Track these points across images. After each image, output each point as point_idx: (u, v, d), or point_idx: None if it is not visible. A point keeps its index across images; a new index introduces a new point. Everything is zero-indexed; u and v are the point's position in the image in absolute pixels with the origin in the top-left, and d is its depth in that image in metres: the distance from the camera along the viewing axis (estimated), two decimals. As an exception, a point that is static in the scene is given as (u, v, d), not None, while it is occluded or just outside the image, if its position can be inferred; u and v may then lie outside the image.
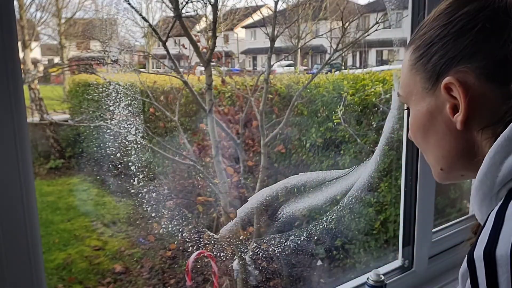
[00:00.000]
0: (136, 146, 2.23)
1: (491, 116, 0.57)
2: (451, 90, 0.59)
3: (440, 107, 0.62)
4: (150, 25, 2.58)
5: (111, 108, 2.08)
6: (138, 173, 2.25)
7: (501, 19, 0.56)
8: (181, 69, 2.63)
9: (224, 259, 2.28)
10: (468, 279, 0.49)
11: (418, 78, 0.64)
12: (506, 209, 0.50)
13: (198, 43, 2.60)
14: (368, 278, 1.23)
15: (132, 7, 2.17)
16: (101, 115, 2.24)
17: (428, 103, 0.63)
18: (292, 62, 4.39)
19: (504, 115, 0.55)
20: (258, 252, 2.22)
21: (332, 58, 3.02)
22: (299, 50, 4.19)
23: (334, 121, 3.23)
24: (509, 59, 0.55)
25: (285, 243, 1.92)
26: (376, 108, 3.16)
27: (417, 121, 0.67)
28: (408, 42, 0.69)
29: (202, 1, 2.68)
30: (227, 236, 2.13)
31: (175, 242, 2.94)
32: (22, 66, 2.05)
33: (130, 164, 2.25)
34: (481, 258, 0.47)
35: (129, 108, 2.11)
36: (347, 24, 2.95)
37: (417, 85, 0.65)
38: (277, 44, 2.79)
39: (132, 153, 2.23)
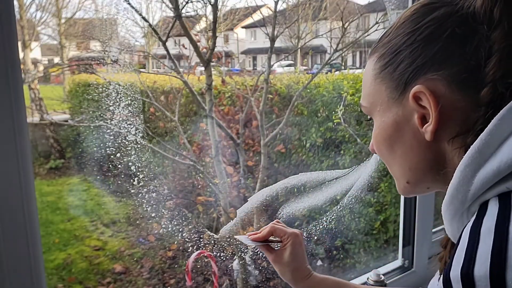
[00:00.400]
0: (136, 146, 2.23)
1: (461, 125, 0.55)
2: (420, 100, 0.57)
3: (408, 117, 0.59)
4: (150, 25, 2.58)
5: (111, 108, 2.08)
6: (138, 173, 2.25)
7: (470, 25, 0.55)
8: (181, 69, 2.63)
9: (224, 259, 2.28)
10: None
11: (383, 88, 0.62)
12: (480, 226, 0.48)
13: (198, 43, 2.60)
14: (368, 278, 1.23)
15: (132, 7, 2.18)
16: (101, 115, 2.24)
17: (395, 113, 0.61)
18: (292, 62, 4.39)
19: (475, 124, 0.53)
20: (258, 252, 2.22)
21: (332, 58, 3.02)
22: (299, 50, 4.19)
23: (334, 121, 3.23)
24: (481, 65, 0.53)
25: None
26: (376, 108, 3.15)
27: (382, 132, 0.63)
28: (370, 50, 0.66)
29: (202, 1, 2.68)
30: (227, 236, 2.13)
31: (175, 242, 2.94)
32: (22, 66, 2.05)
33: (130, 164, 2.25)
34: (458, 279, 0.45)
35: (129, 108, 2.11)
36: (347, 24, 2.95)
37: (383, 95, 0.62)
38: (277, 44, 2.79)
39: (132, 153, 2.23)
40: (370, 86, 0.64)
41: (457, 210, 0.54)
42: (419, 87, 0.56)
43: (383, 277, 1.22)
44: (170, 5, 2.37)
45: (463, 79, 0.55)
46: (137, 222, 3.54)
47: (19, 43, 1.82)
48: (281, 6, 3.91)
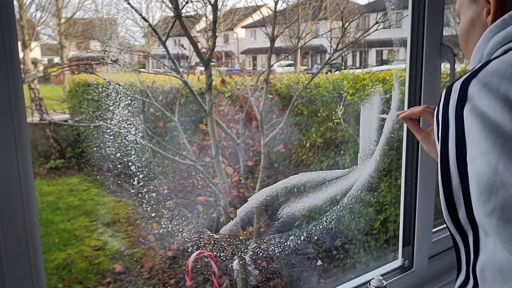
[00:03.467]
0: (136, 146, 2.23)
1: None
2: None
3: (479, 14, 0.72)
4: (150, 25, 2.58)
5: (111, 108, 2.08)
6: (138, 173, 2.25)
7: None
8: (181, 69, 2.63)
9: (224, 259, 2.28)
10: None
11: None
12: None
13: (198, 43, 2.60)
14: (369, 284, 1.24)
15: (132, 7, 2.17)
16: (101, 115, 2.24)
17: (472, 10, 0.75)
18: (292, 62, 4.39)
19: None
20: (258, 252, 2.22)
21: (332, 58, 3.02)
22: (299, 50, 4.18)
23: (334, 121, 3.23)
24: None
25: (285, 243, 1.92)
26: (376, 108, 3.15)
27: (461, 28, 0.78)
28: None
29: (202, 1, 2.68)
30: (227, 236, 2.13)
31: (175, 242, 2.94)
32: (22, 66, 2.04)
33: (130, 164, 2.25)
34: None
35: (129, 108, 2.11)
36: (347, 24, 2.95)
37: None
38: (277, 44, 2.79)
39: (132, 153, 2.23)
40: None
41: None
42: None
43: (385, 283, 1.22)
44: (170, 5, 2.37)
45: None
46: (137, 222, 3.53)
47: (19, 43, 1.82)
48: (281, 6, 3.92)
